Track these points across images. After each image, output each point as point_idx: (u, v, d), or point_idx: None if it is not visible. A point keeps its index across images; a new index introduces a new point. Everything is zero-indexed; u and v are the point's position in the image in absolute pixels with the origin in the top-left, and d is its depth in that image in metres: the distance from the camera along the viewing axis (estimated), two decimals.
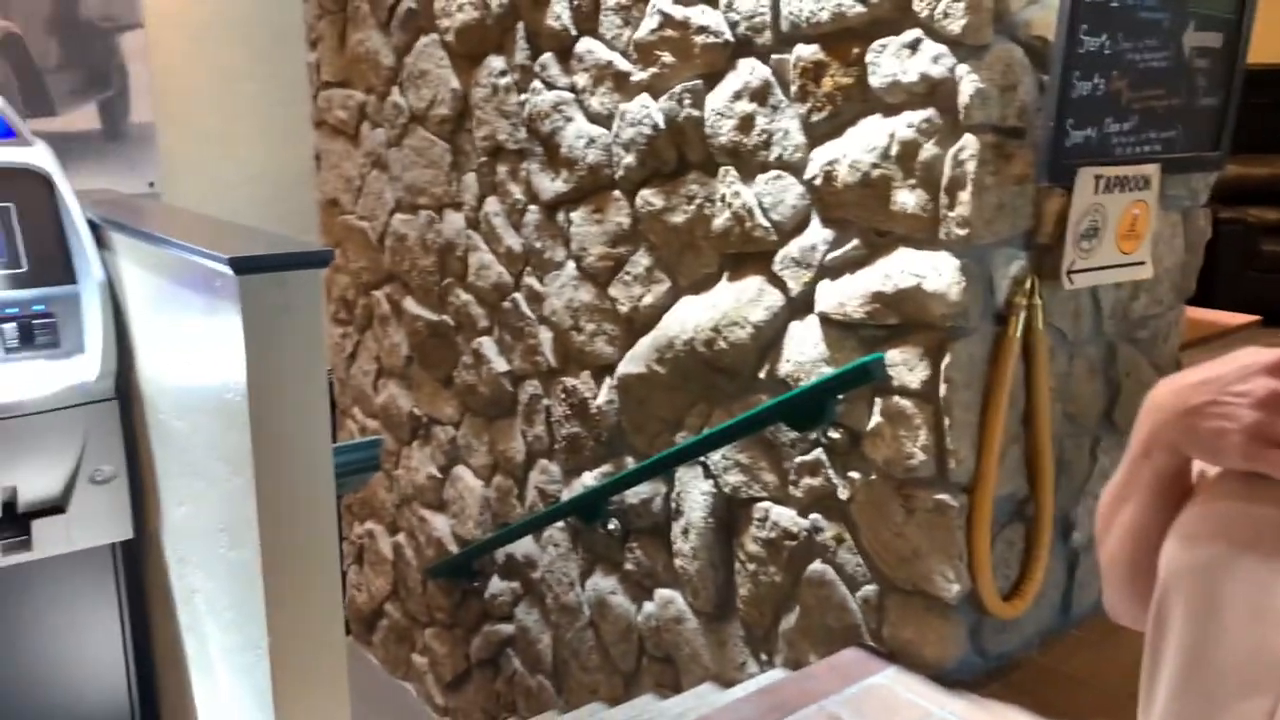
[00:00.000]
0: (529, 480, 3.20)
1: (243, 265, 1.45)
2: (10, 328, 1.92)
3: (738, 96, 2.30)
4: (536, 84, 2.87)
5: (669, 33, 2.43)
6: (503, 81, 3.00)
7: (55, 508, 1.95)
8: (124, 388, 2.03)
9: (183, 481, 1.90)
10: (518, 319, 3.12)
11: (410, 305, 3.61)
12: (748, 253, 2.36)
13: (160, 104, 3.74)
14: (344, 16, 3.70)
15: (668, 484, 2.65)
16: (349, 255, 3.94)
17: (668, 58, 2.45)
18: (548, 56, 2.82)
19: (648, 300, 2.65)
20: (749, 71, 2.27)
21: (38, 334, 1.93)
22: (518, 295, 3.11)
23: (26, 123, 3.41)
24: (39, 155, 2.08)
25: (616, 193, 2.69)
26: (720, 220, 2.39)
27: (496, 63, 3.01)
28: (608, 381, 2.82)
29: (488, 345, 3.28)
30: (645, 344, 2.67)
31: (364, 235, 3.82)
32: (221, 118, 3.88)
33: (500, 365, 3.23)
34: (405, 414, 3.75)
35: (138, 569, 2.19)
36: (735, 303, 2.38)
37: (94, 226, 2.02)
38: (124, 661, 2.15)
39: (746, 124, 2.29)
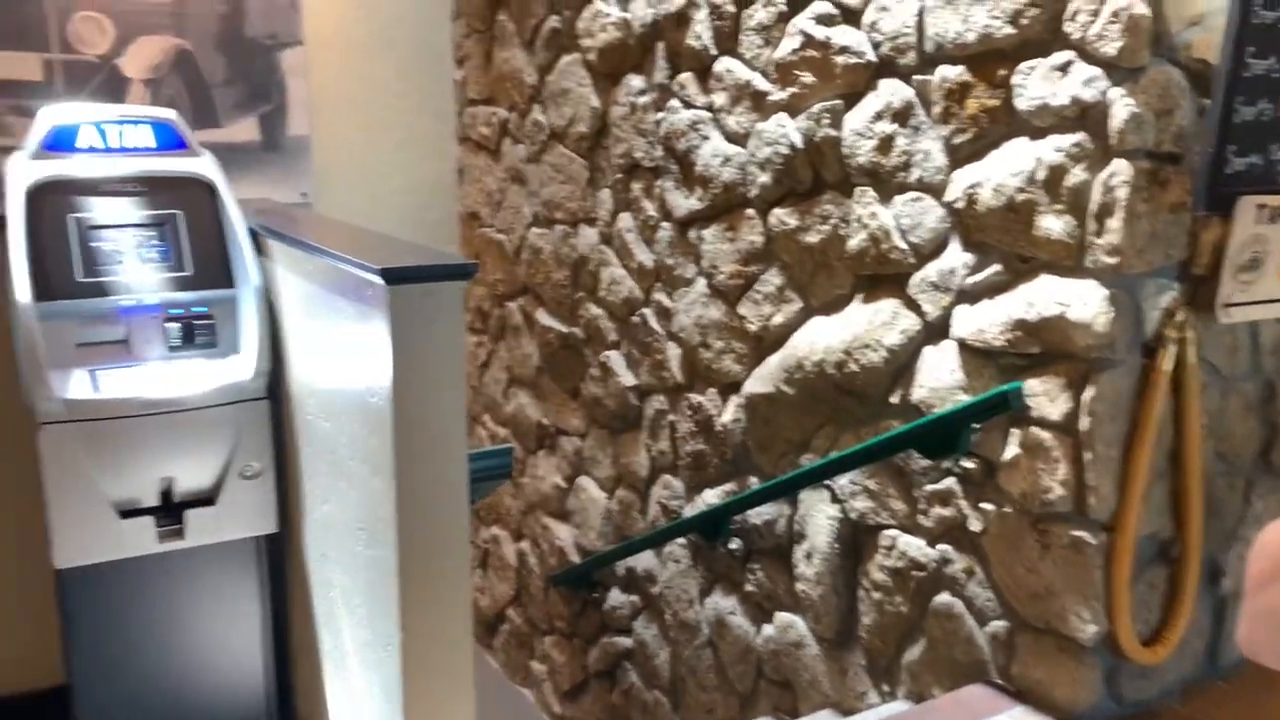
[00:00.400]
0: (651, 495, 3.22)
1: (393, 276, 1.50)
2: (174, 327, 2.03)
3: (878, 117, 2.28)
4: (674, 103, 2.90)
5: (810, 53, 2.42)
6: (641, 100, 3.04)
7: (207, 499, 2.06)
8: (275, 388, 2.13)
9: (326, 480, 1.98)
10: (646, 334, 3.14)
11: (542, 317, 3.68)
12: (883, 274, 2.32)
13: (315, 118, 3.92)
14: (490, 36, 3.81)
15: (792, 506, 2.63)
16: (486, 267, 4.05)
17: (807, 78, 2.44)
18: (687, 75, 2.85)
19: (778, 319, 2.64)
20: (891, 92, 2.25)
21: (198, 334, 2.04)
22: (647, 310, 3.14)
23: (194, 133, 3.63)
24: (206, 165, 2.21)
25: (750, 211, 2.69)
26: (855, 241, 2.37)
27: (636, 82, 3.05)
28: (734, 400, 2.81)
29: (615, 359, 3.31)
30: (773, 363, 2.65)
31: (501, 248, 3.91)
32: (372, 132, 4.04)
33: (627, 379, 3.26)
34: (533, 423, 3.82)
35: (280, 562, 2.29)
36: (868, 325, 2.35)
37: (253, 234, 2.13)
38: (263, 649, 2.25)
39: (886, 145, 2.27)
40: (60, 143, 2.13)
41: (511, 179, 3.81)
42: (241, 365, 2.08)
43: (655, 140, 3.00)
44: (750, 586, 2.79)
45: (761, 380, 2.69)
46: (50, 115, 2.15)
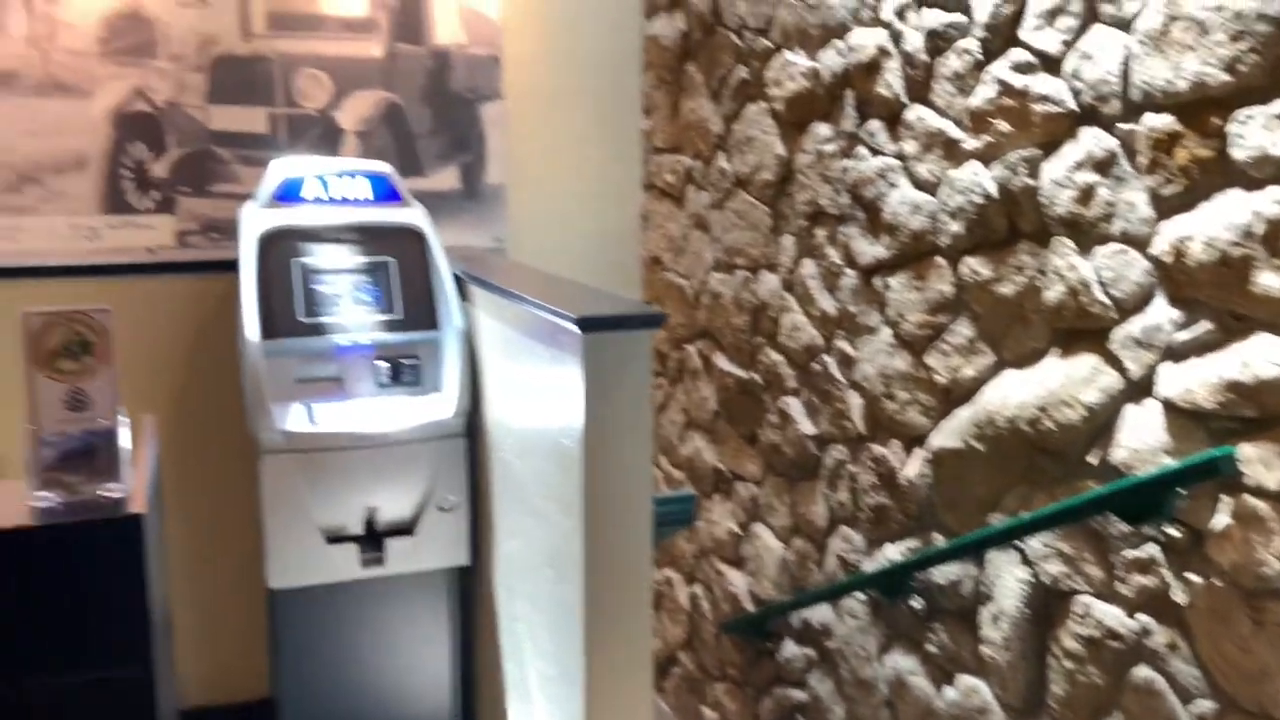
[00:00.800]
0: (829, 546, 3.17)
1: (588, 324, 1.56)
2: (384, 366, 2.17)
3: (1079, 166, 2.21)
4: (862, 150, 2.89)
5: (1006, 101, 2.38)
6: (828, 148, 3.04)
7: (406, 530, 2.17)
8: (472, 426, 2.23)
9: (516, 517, 2.06)
10: (827, 382, 3.12)
11: (721, 361, 3.71)
12: (1082, 329, 2.24)
13: (511, 167, 4.10)
14: (678, 86, 3.91)
15: (979, 566, 2.54)
16: (666, 310, 4.11)
17: (1003, 126, 2.39)
18: (876, 123, 2.84)
19: (967, 372, 2.57)
20: (1092, 141, 2.17)
21: (404, 373, 2.17)
22: (828, 358, 3.12)
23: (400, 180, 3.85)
24: (416, 216, 2.36)
25: (940, 260, 2.64)
26: (1053, 293, 2.29)
27: (823, 130, 3.06)
28: (919, 453, 2.75)
29: (794, 406, 3.30)
30: (962, 417, 2.59)
31: (681, 292, 3.97)
32: (563, 179, 4.19)
33: (806, 427, 3.24)
34: (709, 468, 3.84)
35: (470, 592, 2.39)
36: (1065, 381, 2.27)
37: (457, 280, 2.25)
38: (450, 675, 2.34)
39: (1087, 195, 2.19)
40: (288, 194, 2.31)
41: (694, 225, 3.88)
42: (443, 404, 2.20)
43: (841, 187, 2.99)
44: (932, 647, 2.71)
45: (949, 434, 2.63)
46: (280, 169, 2.35)
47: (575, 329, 1.58)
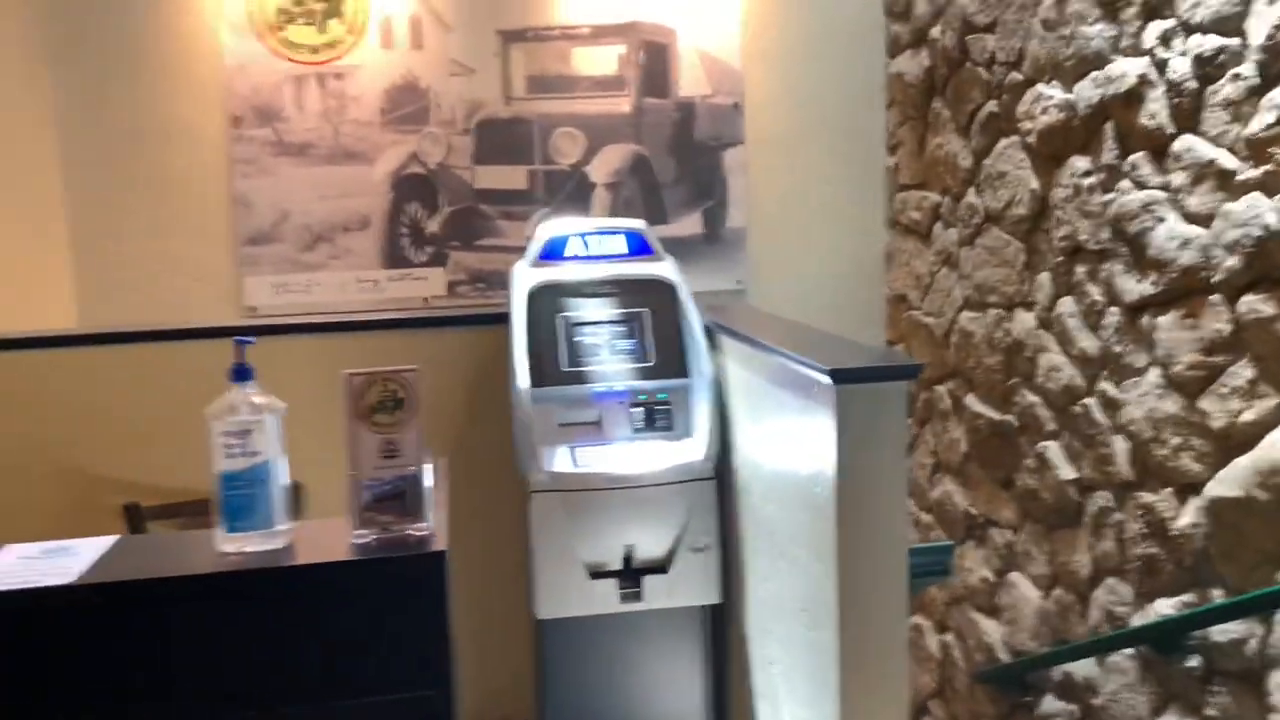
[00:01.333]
0: (1094, 598, 3.01)
1: (841, 376, 1.59)
2: (638, 412, 2.28)
3: None
4: (1125, 184, 2.76)
5: None
6: (1087, 182, 2.93)
7: (660, 568, 2.27)
8: (721, 470, 2.31)
9: (767, 560, 2.10)
10: (1089, 425, 2.98)
11: (972, 403, 3.61)
12: None
13: (751, 210, 4.19)
14: (924, 122, 3.86)
15: (1266, 625, 2.35)
16: (913, 350, 4.05)
17: None
18: (1139, 155, 2.71)
19: (1248, 416, 2.39)
20: None
21: (657, 418, 2.28)
22: (1090, 401, 2.98)
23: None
24: (668, 269, 2.47)
25: (1214, 297, 2.48)
26: None
27: (1080, 163, 2.95)
28: (1194, 502, 2.58)
29: (1054, 450, 3.17)
30: (1243, 465, 2.41)
31: (929, 331, 3.90)
32: (804, 220, 4.23)
33: (1067, 473, 3.10)
34: (960, 512, 3.73)
35: (721, 631, 2.45)
36: None
37: (707, 329, 2.34)
38: (702, 710, 2.41)
39: None
40: (553, 252, 2.49)
41: (943, 262, 3.81)
42: (694, 448, 2.28)
43: (1102, 222, 2.87)
44: (1212, 710, 2.52)
45: (1229, 483, 2.45)
46: (546, 230, 2.53)
47: (828, 380, 1.61)
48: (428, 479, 1.37)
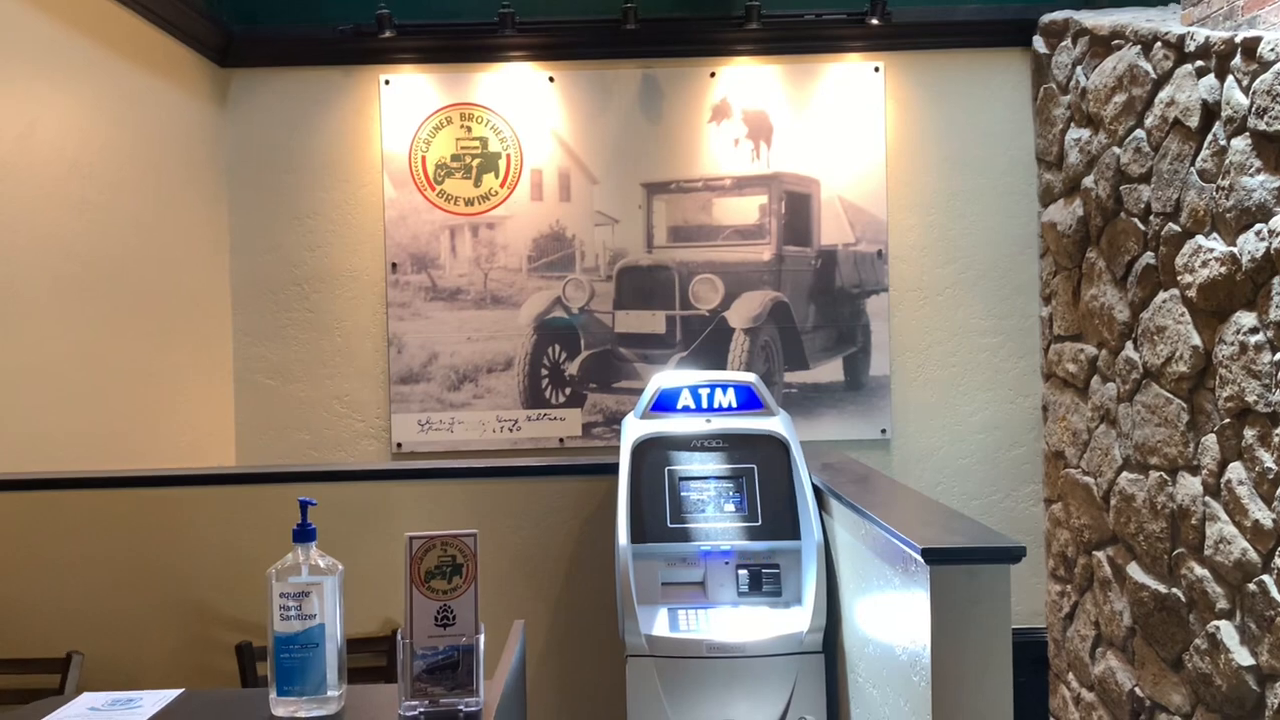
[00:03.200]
0: None
1: (934, 556, 1.47)
2: (744, 574, 2.18)
3: None
4: None
5: None
6: (1253, 339, 2.70)
7: None
8: (829, 642, 2.16)
9: None
10: (1267, 606, 2.67)
11: (1134, 571, 3.31)
12: None
13: (896, 358, 4.07)
14: (1079, 272, 3.70)
15: None
16: (1070, 510, 3.78)
17: None
18: None
19: None
20: None
21: (765, 582, 2.17)
22: (1266, 578, 2.67)
23: (784, 374, 3.94)
24: (779, 424, 2.40)
25: None
26: None
27: (1246, 319, 2.73)
28: None
29: (1227, 631, 2.85)
30: None
31: (1088, 491, 3.64)
32: (952, 370, 4.08)
33: (1243, 658, 2.77)
34: (1125, 692, 3.38)
35: None
36: None
37: (816, 490, 2.24)
38: None
39: None
40: (664, 404, 2.46)
41: (1100, 418, 3.57)
42: (800, 617, 2.16)
43: (1272, 384, 2.63)
44: None
45: None
46: (659, 380, 2.51)
47: (920, 559, 1.49)
48: (481, 648, 1.32)
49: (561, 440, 4.07)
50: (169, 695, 1.45)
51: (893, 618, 1.70)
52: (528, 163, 4.05)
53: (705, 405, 2.42)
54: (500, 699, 1.30)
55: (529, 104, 4.05)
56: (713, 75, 4.05)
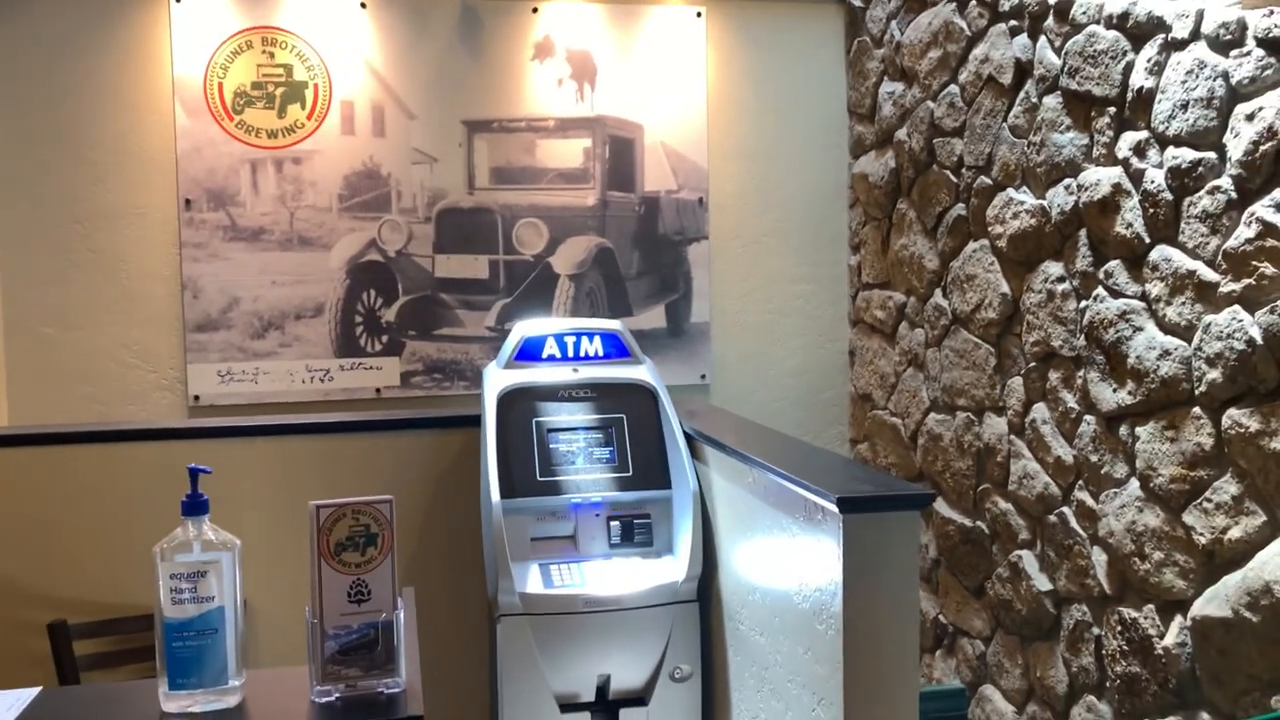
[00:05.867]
0: (1071, 715, 2.91)
1: (849, 505, 1.49)
2: (615, 526, 2.15)
3: None
4: (1099, 291, 2.74)
5: (1270, 242, 2.20)
6: (1060, 288, 2.91)
7: (639, 699, 2.11)
8: (704, 591, 2.17)
9: (758, 697, 1.97)
10: (1065, 535, 2.91)
11: (941, 507, 3.53)
12: None
13: (715, 305, 4.13)
14: (889, 223, 3.86)
15: None
16: (878, 449, 3.98)
17: (1268, 269, 2.21)
18: (1115, 264, 2.69)
19: (1235, 534, 2.33)
20: None
21: (636, 533, 2.15)
22: (1066, 510, 2.91)
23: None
24: (647, 372, 2.37)
25: (1196, 410, 2.44)
26: None
27: (1053, 269, 2.93)
28: (1178, 620, 2.50)
29: (1028, 560, 3.09)
30: (1231, 584, 2.34)
31: (895, 431, 3.84)
32: (768, 316, 4.18)
33: (1042, 584, 3.02)
34: (929, 619, 3.62)
35: None
36: None
37: (689, 438, 2.23)
38: None
39: None
40: (528, 353, 2.37)
41: (908, 363, 3.76)
42: (675, 567, 2.15)
43: (1077, 329, 2.84)
44: None
45: (1215, 602, 2.38)
46: (522, 329, 2.42)
47: (834, 509, 1.51)
48: (401, 623, 1.22)
49: (378, 391, 3.89)
50: (24, 696, 1.26)
51: (789, 566, 1.72)
52: (337, 94, 3.79)
53: (571, 354, 2.35)
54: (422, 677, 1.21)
55: (339, 31, 3.78)
56: (535, 10, 3.92)
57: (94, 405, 3.66)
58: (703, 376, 4.12)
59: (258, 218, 3.77)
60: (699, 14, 4.05)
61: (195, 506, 1.20)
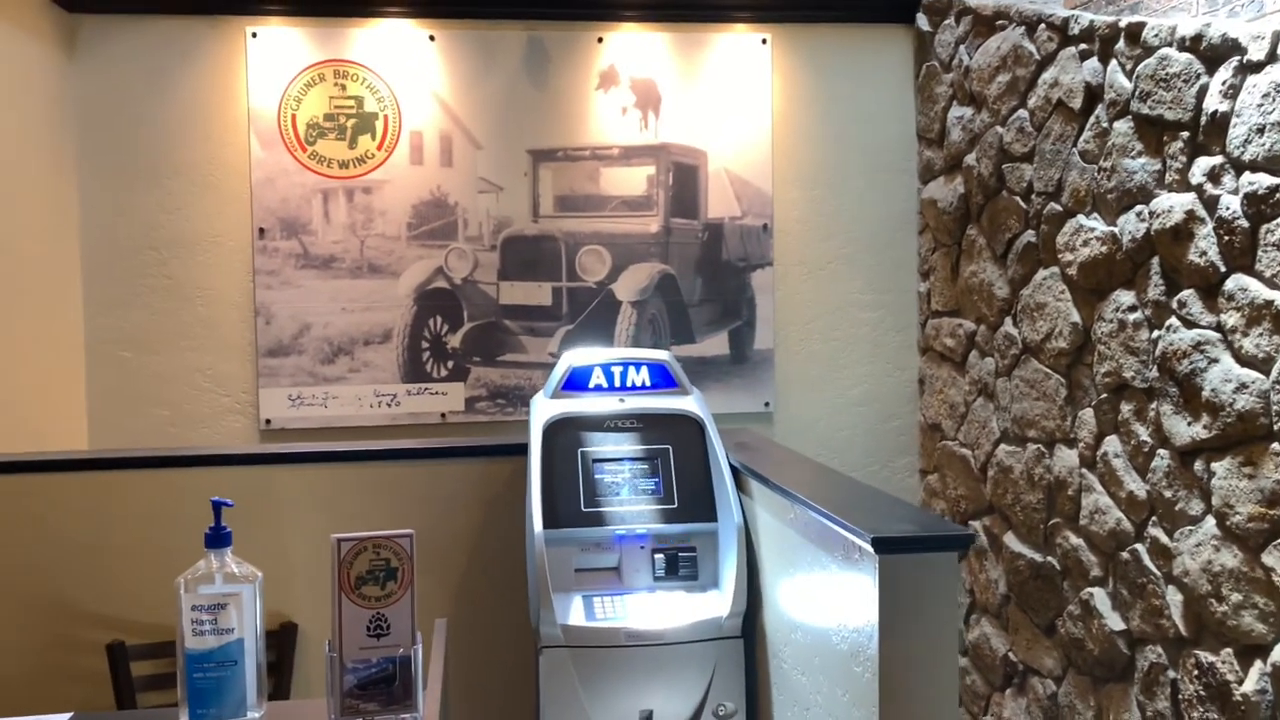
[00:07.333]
0: None
1: (884, 545, 1.45)
2: (660, 558, 2.13)
3: None
4: (1173, 321, 2.64)
5: None
6: (1131, 317, 2.81)
7: None
8: (749, 627, 2.13)
9: None
10: (1139, 574, 2.79)
11: (1011, 541, 3.43)
12: None
13: (780, 332, 4.09)
14: (958, 249, 3.78)
15: None
16: (947, 481, 3.89)
17: None
18: (1188, 293, 2.59)
19: None
20: None
21: (681, 566, 2.12)
22: (1139, 547, 2.80)
23: (670, 348, 3.90)
24: (694, 403, 2.34)
25: (1276, 445, 2.33)
26: None
27: (1125, 298, 2.84)
28: (1258, 665, 2.38)
29: (1100, 598, 2.97)
30: None
31: (965, 463, 3.75)
32: (833, 344, 4.12)
33: (1115, 623, 2.90)
34: (999, 657, 3.51)
35: None
36: None
37: (734, 471, 2.20)
38: None
39: None
40: (575, 383, 2.37)
41: (978, 391, 3.67)
42: (719, 602, 2.12)
43: (1149, 360, 2.74)
44: None
45: None
46: (569, 359, 2.42)
47: (870, 548, 1.47)
48: (419, 658, 1.22)
49: (444, 416, 3.93)
50: None
51: (829, 605, 1.68)
52: (406, 125, 3.86)
53: (618, 384, 2.34)
54: (440, 711, 1.21)
55: (408, 63, 3.86)
56: (600, 40, 3.95)
57: (169, 428, 3.77)
58: (766, 404, 4.08)
59: (329, 246, 3.85)
60: (764, 40, 4.03)
61: (218, 539, 1.22)
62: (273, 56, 3.79)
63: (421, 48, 3.87)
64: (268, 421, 3.83)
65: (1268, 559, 2.34)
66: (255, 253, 3.82)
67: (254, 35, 3.78)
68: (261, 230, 3.81)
